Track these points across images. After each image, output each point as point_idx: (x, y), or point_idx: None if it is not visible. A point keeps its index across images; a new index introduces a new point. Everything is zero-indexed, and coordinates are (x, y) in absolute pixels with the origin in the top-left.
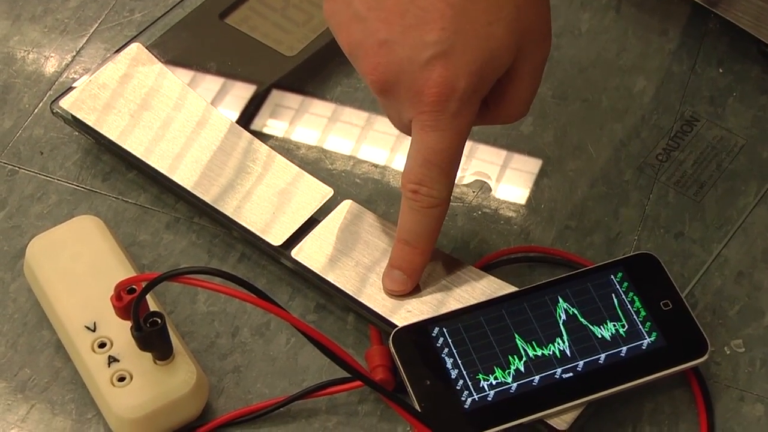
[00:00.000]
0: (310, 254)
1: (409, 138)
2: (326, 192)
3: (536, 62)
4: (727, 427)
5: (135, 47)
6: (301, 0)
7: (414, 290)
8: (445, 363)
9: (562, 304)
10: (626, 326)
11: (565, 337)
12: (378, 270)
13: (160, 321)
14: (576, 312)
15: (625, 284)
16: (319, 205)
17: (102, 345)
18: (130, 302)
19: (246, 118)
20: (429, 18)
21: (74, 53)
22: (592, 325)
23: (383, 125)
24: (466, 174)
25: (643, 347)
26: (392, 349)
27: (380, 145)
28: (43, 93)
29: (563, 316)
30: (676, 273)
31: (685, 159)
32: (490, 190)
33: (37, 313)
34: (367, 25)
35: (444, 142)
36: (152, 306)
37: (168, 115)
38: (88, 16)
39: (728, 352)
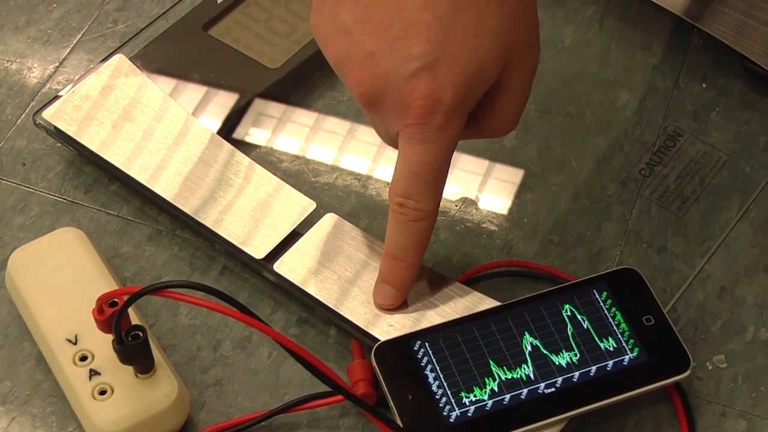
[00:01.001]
0: (293, 267)
1: (393, 151)
2: (309, 205)
3: (524, 74)
4: None
5: (118, 58)
6: (284, 12)
7: None
8: (427, 378)
9: (544, 321)
10: (608, 342)
11: (536, 356)
12: (360, 284)
13: (141, 334)
14: (559, 327)
15: (608, 299)
16: (302, 218)
17: (83, 358)
18: (111, 315)
19: (228, 130)
20: (415, 30)
21: (57, 64)
22: (577, 340)
23: (366, 137)
24: (448, 187)
25: (625, 362)
26: (374, 364)
27: (363, 159)
28: (26, 104)
29: (536, 337)
30: (658, 288)
31: (668, 174)
32: (473, 203)
33: (18, 325)
34: (354, 38)
35: (430, 154)
36: (134, 319)
37: (149, 126)
38: (72, 26)
39: (710, 368)
